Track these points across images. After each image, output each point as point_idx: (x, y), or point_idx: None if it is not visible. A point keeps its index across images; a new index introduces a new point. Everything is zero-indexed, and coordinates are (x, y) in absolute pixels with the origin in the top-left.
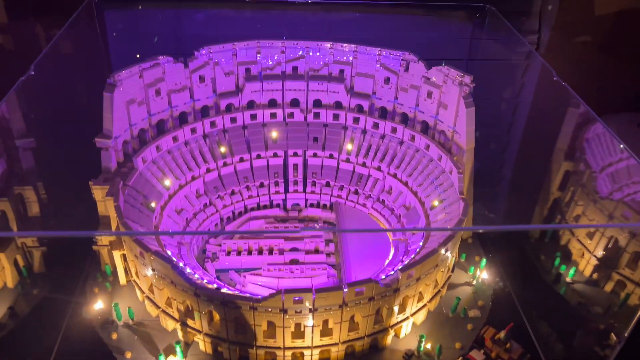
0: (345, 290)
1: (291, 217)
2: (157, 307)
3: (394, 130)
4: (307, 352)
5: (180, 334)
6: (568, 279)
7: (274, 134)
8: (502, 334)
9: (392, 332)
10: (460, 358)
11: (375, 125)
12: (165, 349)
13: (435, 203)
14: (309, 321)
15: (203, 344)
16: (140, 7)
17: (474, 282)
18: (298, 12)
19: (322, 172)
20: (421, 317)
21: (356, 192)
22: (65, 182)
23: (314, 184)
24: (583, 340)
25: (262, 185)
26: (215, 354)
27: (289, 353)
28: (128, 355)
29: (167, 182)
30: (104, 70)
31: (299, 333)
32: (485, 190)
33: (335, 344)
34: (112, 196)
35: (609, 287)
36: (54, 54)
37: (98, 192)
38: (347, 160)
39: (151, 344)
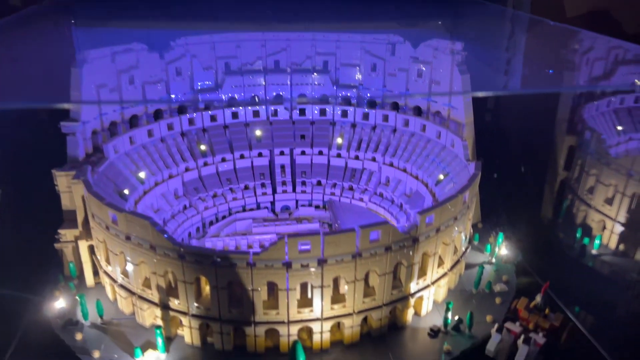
0: (359, 233)
1: (281, 219)
2: (133, 293)
3: (385, 118)
4: (316, 327)
5: (161, 324)
6: (594, 251)
7: (258, 133)
8: (538, 298)
9: (412, 305)
10: (495, 327)
11: (365, 116)
12: (143, 345)
13: (441, 177)
14: (316, 278)
15: (189, 333)
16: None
17: (493, 260)
18: (274, 32)
19: (312, 170)
20: (442, 292)
21: (351, 189)
22: (23, 179)
23: (304, 183)
24: (624, 306)
25: (247, 187)
26: (205, 347)
27: (294, 329)
28: (96, 354)
29: (142, 175)
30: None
31: (306, 301)
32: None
33: (349, 315)
34: (79, 179)
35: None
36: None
37: (62, 181)
38: (338, 156)
39: (125, 342)
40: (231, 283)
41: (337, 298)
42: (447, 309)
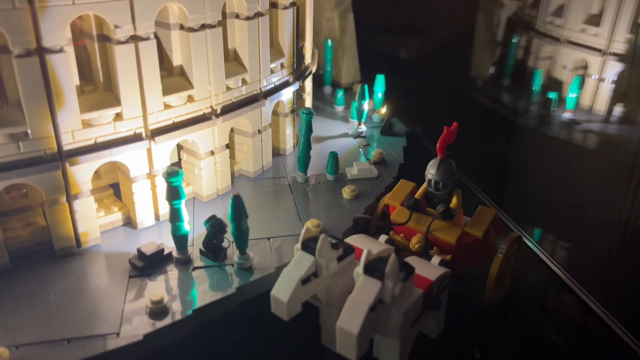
0: None
1: None
2: None
3: None
4: None
5: None
6: (567, 113)
7: None
8: (431, 172)
9: (79, 186)
10: (303, 233)
11: None
12: None
13: None
14: None
15: None
16: None
17: (362, 128)
18: None
19: None
20: (210, 180)
21: None
22: None
23: None
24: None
25: None
26: None
27: None
28: None
29: None
30: None
31: None
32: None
33: None
34: None
35: None
36: None
37: None
38: None
39: None
40: None
41: None
42: (169, 182)
